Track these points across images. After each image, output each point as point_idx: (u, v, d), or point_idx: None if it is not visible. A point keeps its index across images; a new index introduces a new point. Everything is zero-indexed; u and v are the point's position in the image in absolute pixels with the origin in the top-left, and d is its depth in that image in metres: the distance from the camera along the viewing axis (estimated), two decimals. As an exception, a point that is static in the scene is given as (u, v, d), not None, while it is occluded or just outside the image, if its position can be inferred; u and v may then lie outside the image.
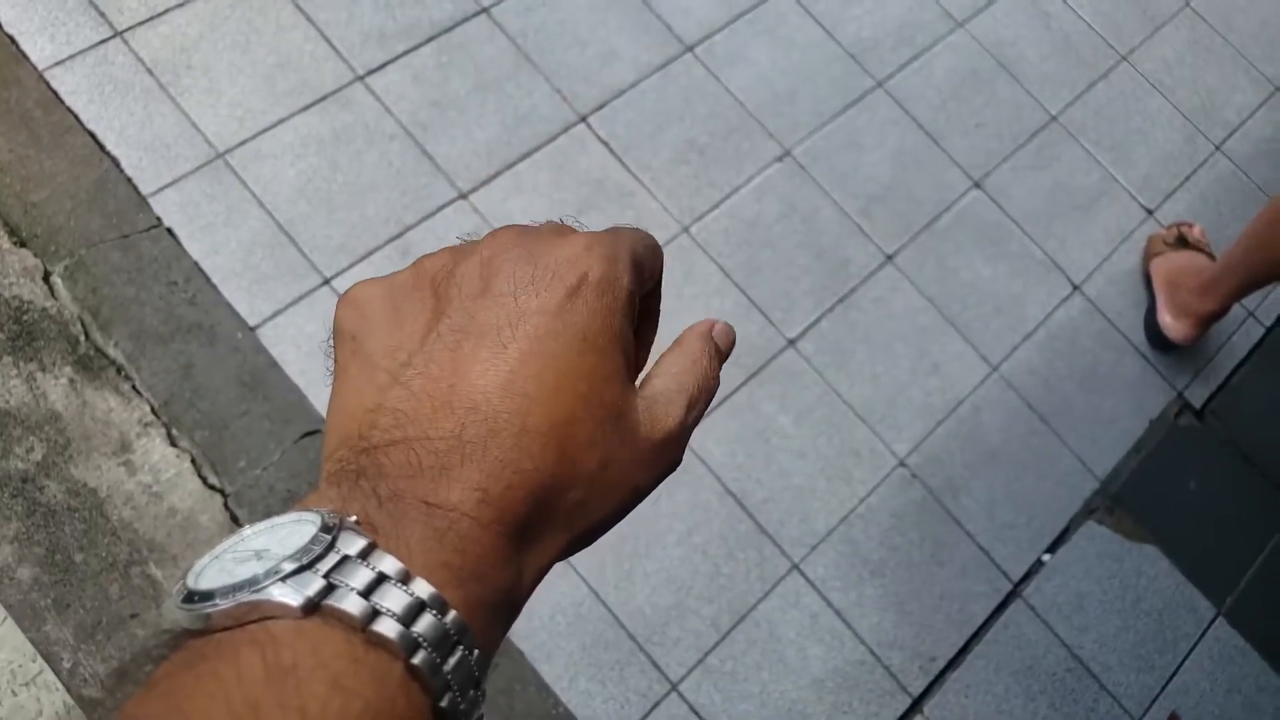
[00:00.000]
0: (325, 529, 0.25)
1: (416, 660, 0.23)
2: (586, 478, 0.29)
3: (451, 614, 0.24)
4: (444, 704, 0.24)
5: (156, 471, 1.46)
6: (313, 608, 0.23)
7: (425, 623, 0.24)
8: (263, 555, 0.24)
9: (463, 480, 0.27)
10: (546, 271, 0.31)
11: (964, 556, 1.68)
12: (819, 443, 1.70)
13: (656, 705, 1.49)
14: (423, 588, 0.24)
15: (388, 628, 0.23)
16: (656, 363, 0.34)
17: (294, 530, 0.25)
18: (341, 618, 0.23)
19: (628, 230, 0.34)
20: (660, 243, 0.36)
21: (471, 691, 0.25)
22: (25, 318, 1.51)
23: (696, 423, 0.33)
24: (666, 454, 0.32)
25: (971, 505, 1.71)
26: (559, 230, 0.34)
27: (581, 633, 1.51)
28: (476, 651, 0.25)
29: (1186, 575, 1.74)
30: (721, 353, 0.36)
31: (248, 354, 1.56)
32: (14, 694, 1.30)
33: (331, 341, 0.33)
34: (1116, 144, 2.10)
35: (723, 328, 0.36)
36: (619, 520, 0.31)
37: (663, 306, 0.37)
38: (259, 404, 1.53)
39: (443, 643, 0.24)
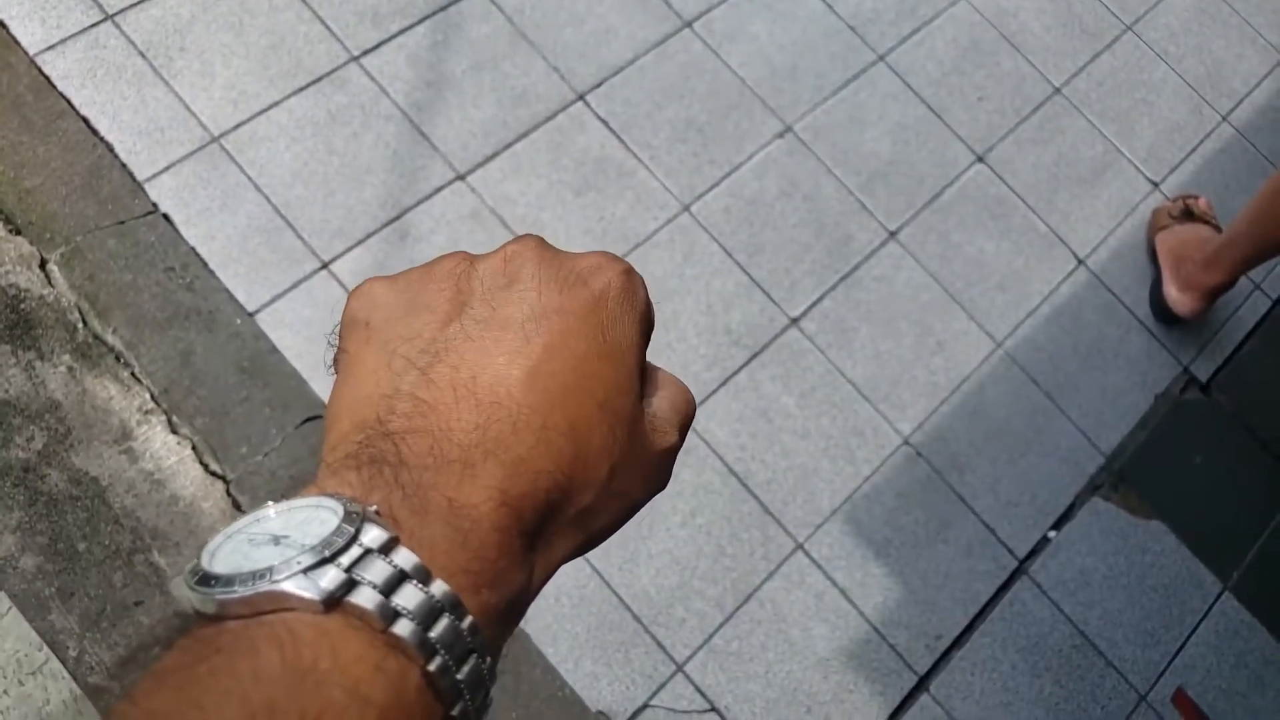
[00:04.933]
0: (348, 518, 0.24)
1: (433, 668, 0.23)
2: (596, 483, 0.29)
3: (468, 620, 0.24)
4: (455, 712, 0.24)
5: (158, 459, 1.46)
6: (333, 603, 0.23)
7: (443, 627, 0.24)
8: (281, 541, 0.24)
9: (485, 478, 0.27)
10: (570, 272, 0.31)
11: (969, 534, 1.67)
12: (822, 422, 1.69)
13: (662, 686, 1.49)
14: (441, 589, 0.24)
15: (406, 631, 0.23)
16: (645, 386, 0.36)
17: (313, 516, 0.25)
18: (361, 616, 0.23)
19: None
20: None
21: (481, 697, 0.25)
22: (22, 306, 1.50)
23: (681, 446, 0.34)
24: (661, 470, 0.33)
25: (976, 483, 1.71)
26: (558, 250, 0.34)
27: (587, 615, 1.51)
28: (489, 659, 0.25)
29: (1192, 550, 1.74)
30: None
31: (247, 340, 1.55)
32: (20, 683, 1.30)
33: (337, 331, 0.33)
34: (1121, 115, 2.07)
35: None
36: (614, 531, 0.32)
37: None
38: (259, 390, 1.52)
39: (458, 648, 0.24)
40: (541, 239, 0.33)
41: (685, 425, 0.34)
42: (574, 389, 0.29)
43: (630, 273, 0.32)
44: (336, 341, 0.33)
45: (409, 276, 0.33)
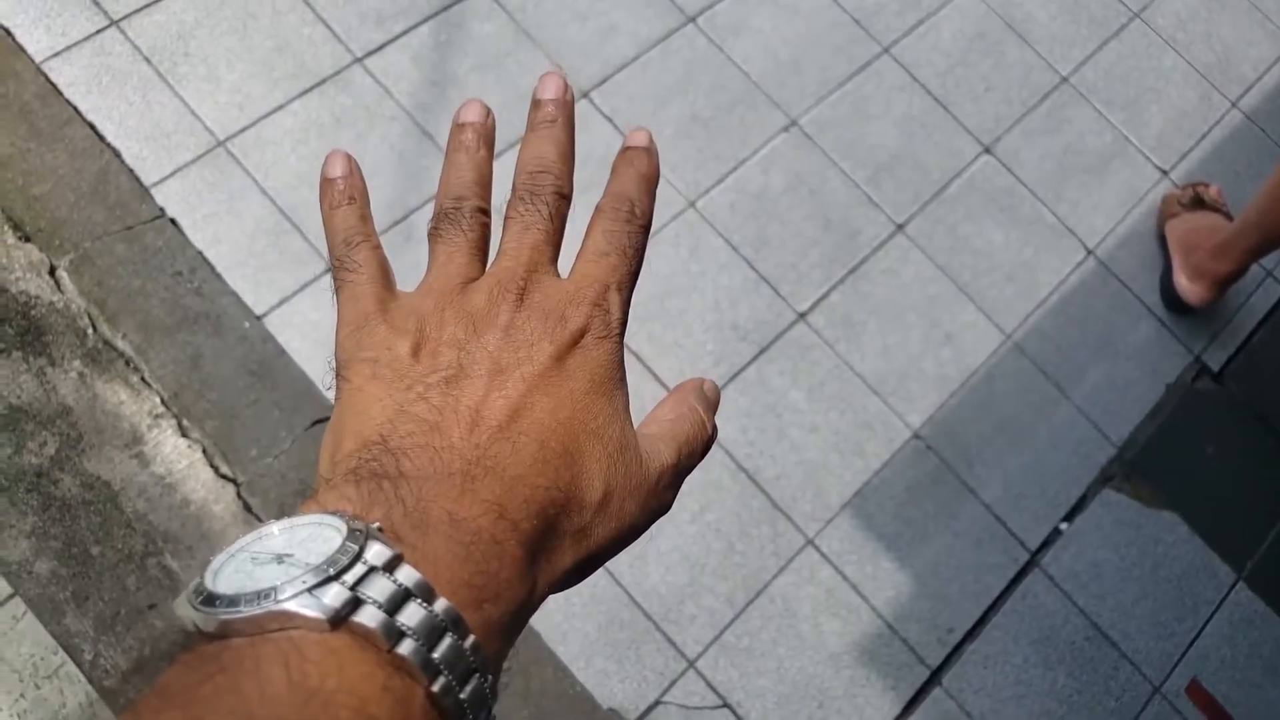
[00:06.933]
0: (351, 535, 0.24)
1: (436, 688, 0.24)
2: (593, 504, 0.31)
3: (470, 639, 0.25)
4: None
5: (169, 463, 1.47)
6: (339, 622, 0.23)
7: (445, 646, 0.24)
8: (285, 559, 0.24)
9: (483, 492, 0.28)
10: (552, 312, 0.33)
11: (980, 527, 1.67)
12: (831, 416, 1.69)
13: (674, 683, 1.50)
14: (444, 607, 0.24)
15: (411, 651, 0.23)
16: (653, 410, 0.37)
17: (316, 533, 0.25)
18: (367, 635, 0.23)
19: (614, 258, 0.35)
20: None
21: (484, 716, 0.25)
22: (33, 313, 1.51)
23: (690, 467, 0.35)
24: (659, 493, 0.34)
25: (986, 475, 1.70)
26: (543, 275, 0.35)
27: (597, 613, 1.51)
28: (490, 677, 0.25)
29: (1205, 541, 1.73)
30: (711, 403, 0.38)
31: (255, 343, 1.56)
32: (37, 687, 1.31)
33: (334, 362, 0.34)
34: (1129, 104, 2.06)
35: (710, 384, 0.39)
36: (614, 554, 0.32)
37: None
38: (268, 392, 1.53)
39: (461, 668, 0.24)
40: (524, 263, 0.34)
41: (685, 446, 0.35)
42: (568, 420, 0.31)
43: (601, 304, 0.34)
44: (334, 366, 0.34)
45: (406, 310, 0.34)
